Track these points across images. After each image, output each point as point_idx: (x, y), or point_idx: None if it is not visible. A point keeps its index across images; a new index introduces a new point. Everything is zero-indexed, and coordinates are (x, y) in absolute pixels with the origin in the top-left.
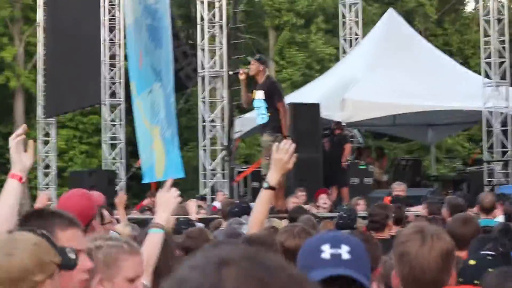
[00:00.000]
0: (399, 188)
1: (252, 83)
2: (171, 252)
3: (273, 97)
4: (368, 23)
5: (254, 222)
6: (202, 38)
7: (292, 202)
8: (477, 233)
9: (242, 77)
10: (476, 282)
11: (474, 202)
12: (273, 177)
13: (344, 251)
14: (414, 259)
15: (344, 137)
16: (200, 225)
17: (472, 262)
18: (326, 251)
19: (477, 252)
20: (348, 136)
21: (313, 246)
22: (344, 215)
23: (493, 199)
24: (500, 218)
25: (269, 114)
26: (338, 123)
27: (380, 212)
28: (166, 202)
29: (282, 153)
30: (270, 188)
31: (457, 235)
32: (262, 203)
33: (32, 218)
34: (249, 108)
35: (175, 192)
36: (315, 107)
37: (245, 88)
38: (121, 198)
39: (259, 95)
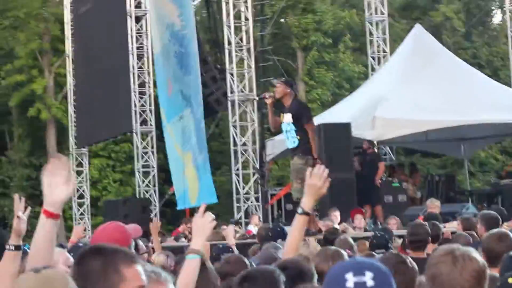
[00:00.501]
0: (433, 205)
1: (278, 105)
2: (210, 278)
3: (302, 119)
4: (396, 40)
5: (289, 247)
6: (231, 62)
7: (326, 224)
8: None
9: (268, 101)
10: None
11: (508, 215)
12: (307, 202)
13: (368, 278)
14: (447, 281)
15: (377, 156)
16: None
17: (510, 280)
18: (350, 280)
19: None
20: (380, 154)
21: (337, 275)
22: (379, 234)
23: None
24: None
25: (298, 137)
26: (370, 141)
27: (422, 232)
28: (201, 228)
29: (316, 179)
30: (305, 213)
31: (493, 252)
32: (297, 228)
33: (90, 256)
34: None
35: (209, 217)
36: (346, 126)
37: (271, 112)
38: (155, 225)
39: (287, 118)
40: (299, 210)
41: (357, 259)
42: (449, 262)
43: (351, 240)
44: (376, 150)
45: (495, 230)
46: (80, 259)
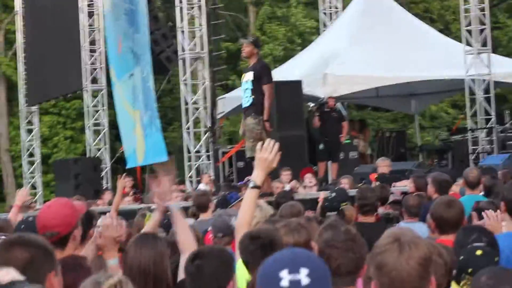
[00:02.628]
0: (383, 164)
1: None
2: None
3: (262, 79)
4: None
5: (242, 220)
6: (182, 20)
7: (276, 185)
8: (462, 216)
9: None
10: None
11: (458, 172)
12: (258, 176)
13: (303, 275)
14: (393, 269)
15: (340, 114)
16: None
17: (479, 252)
18: (285, 278)
19: (463, 245)
20: (344, 114)
21: (271, 272)
22: (330, 197)
23: (478, 174)
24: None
25: (253, 96)
26: (331, 97)
27: (370, 195)
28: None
29: (267, 153)
30: (256, 187)
31: (442, 219)
32: (248, 202)
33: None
34: (232, 87)
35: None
36: (297, 84)
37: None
38: (122, 181)
39: (248, 76)
40: (251, 183)
41: (293, 253)
42: (395, 251)
43: (299, 206)
44: (336, 106)
45: (444, 197)
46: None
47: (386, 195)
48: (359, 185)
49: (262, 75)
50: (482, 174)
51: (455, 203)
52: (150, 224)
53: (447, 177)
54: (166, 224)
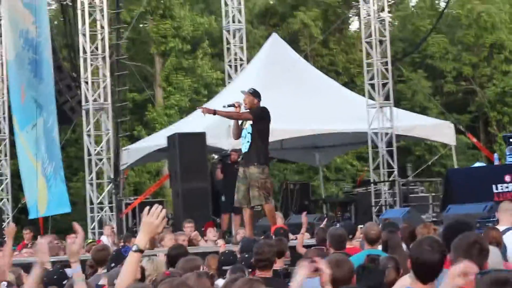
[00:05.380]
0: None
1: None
2: None
3: (260, 121)
4: (255, 46)
5: (121, 283)
6: (86, 71)
7: (177, 237)
8: (350, 275)
9: (237, 110)
10: None
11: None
12: (142, 240)
13: None
14: None
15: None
16: None
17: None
18: None
19: None
20: None
21: None
22: (226, 251)
23: (378, 230)
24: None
25: (249, 141)
26: (237, 150)
27: (267, 251)
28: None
29: (153, 217)
30: (139, 251)
31: (331, 278)
32: (129, 265)
33: None
34: (137, 137)
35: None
36: (201, 136)
37: (237, 122)
38: (10, 229)
39: (248, 122)
40: (134, 247)
41: None
42: None
43: (196, 260)
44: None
45: (333, 256)
46: None
47: (283, 248)
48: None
49: (259, 116)
50: (383, 229)
51: (344, 262)
52: (29, 280)
53: (342, 232)
54: (57, 279)
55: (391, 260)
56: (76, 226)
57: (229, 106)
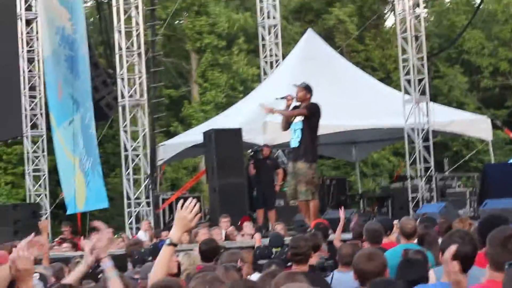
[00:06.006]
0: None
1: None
2: None
3: (312, 117)
4: (290, 43)
5: (154, 276)
6: (121, 67)
7: (212, 232)
8: (383, 269)
9: (289, 102)
10: None
11: (391, 224)
12: (175, 234)
13: None
14: None
15: (275, 162)
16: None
17: None
18: None
19: None
20: (279, 161)
21: None
22: (262, 245)
23: (414, 225)
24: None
25: (300, 138)
26: (269, 146)
27: (302, 245)
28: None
29: (187, 212)
30: (173, 244)
31: (361, 272)
32: (162, 258)
33: None
34: (173, 133)
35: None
36: (237, 132)
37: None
38: (43, 224)
39: (300, 117)
40: (167, 241)
41: None
42: None
43: (239, 254)
44: (272, 154)
45: (365, 249)
46: None
47: (318, 243)
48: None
49: (313, 113)
50: (420, 223)
51: (376, 256)
52: (72, 275)
53: (378, 227)
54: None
55: (420, 254)
56: (97, 223)
57: (282, 98)
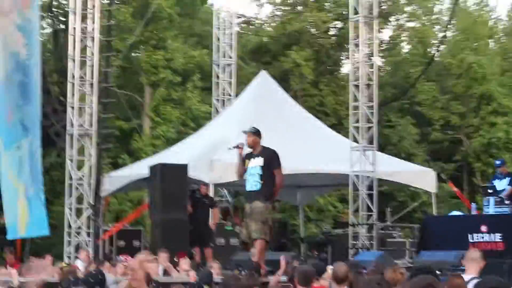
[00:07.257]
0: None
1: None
2: None
3: (272, 164)
4: (245, 82)
5: None
6: (73, 96)
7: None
8: None
9: (240, 150)
10: None
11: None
12: None
13: None
14: None
15: (212, 200)
16: None
17: None
18: None
19: None
20: (215, 199)
21: None
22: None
23: (346, 270)
24: None
25: (262, 181)
26: (206, 184)
27: (233, 284)
28: None
29: None
30: None
31: None
32: None
33: None
34: (122, 165)
35: None
36: (183, 168)
37: (241, 161)
38: None
39: (257, 162)
40: None
41: None
42: None
43: None
44: (208, 193)
45: None
46: None
47: (251, 284)
48: (234, 271)
49: (272, 161)
50: (350, 269)
51: None
52: None
53: (310, 269)
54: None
55: None
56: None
57: (234, 147)
